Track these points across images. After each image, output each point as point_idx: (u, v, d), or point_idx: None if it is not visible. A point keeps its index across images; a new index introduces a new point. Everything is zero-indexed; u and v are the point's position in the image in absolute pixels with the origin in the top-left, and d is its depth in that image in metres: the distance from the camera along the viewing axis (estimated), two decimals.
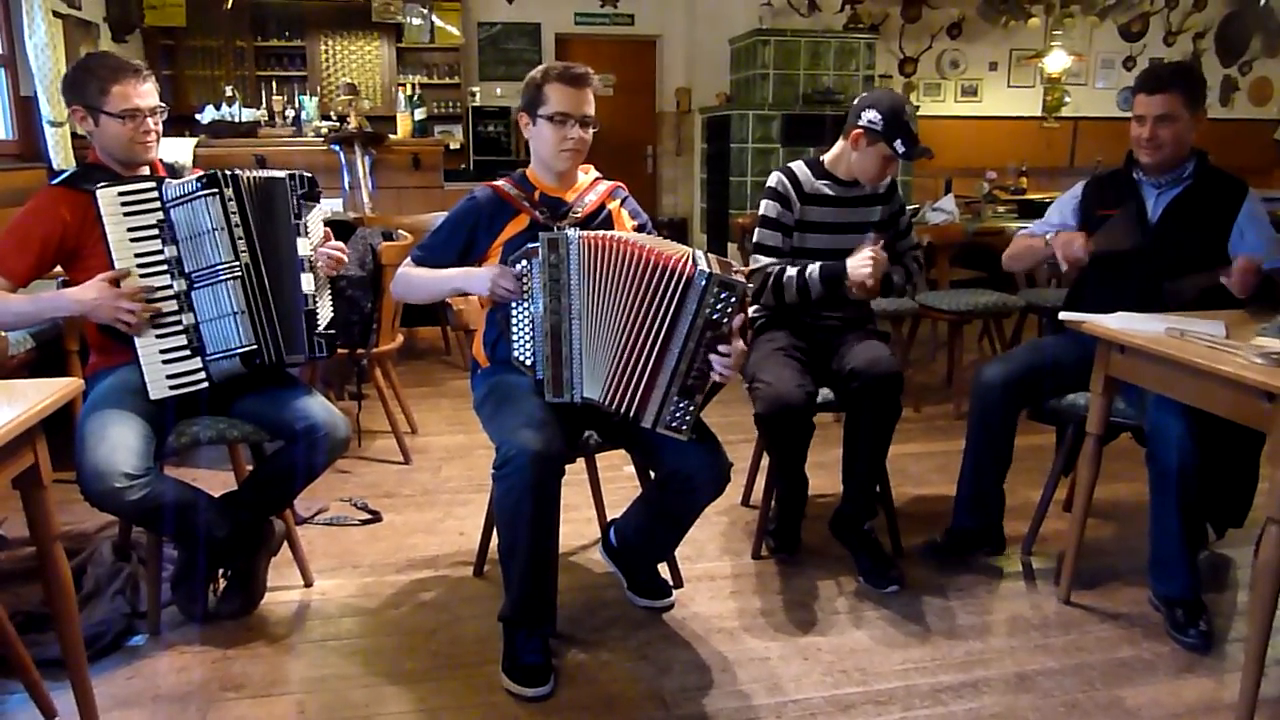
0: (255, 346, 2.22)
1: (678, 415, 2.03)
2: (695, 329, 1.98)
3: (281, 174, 2.29)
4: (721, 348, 1.99)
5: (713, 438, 2.19)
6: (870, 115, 2.57)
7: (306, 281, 2.29)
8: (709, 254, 2.07)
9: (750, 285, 2.50)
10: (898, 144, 2.55)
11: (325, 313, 2.36)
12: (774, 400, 2.44)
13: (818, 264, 2.60)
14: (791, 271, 2.62)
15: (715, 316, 1.96)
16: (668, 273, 1.98)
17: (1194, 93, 2.51)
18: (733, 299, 1.95)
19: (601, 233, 2.12)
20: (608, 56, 8.52)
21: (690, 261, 1.98)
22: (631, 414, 2.05)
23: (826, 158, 2.76)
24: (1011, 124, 8.82)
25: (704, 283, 1.94)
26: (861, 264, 2.50)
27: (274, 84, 7.73)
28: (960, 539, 2.73)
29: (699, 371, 2.00)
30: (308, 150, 5.61)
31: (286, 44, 8.02)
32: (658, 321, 2.00)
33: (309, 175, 2.33)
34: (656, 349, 2.00)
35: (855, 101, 2.66)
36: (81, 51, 5.51)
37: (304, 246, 2.30)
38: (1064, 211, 2.80)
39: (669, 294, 1.98)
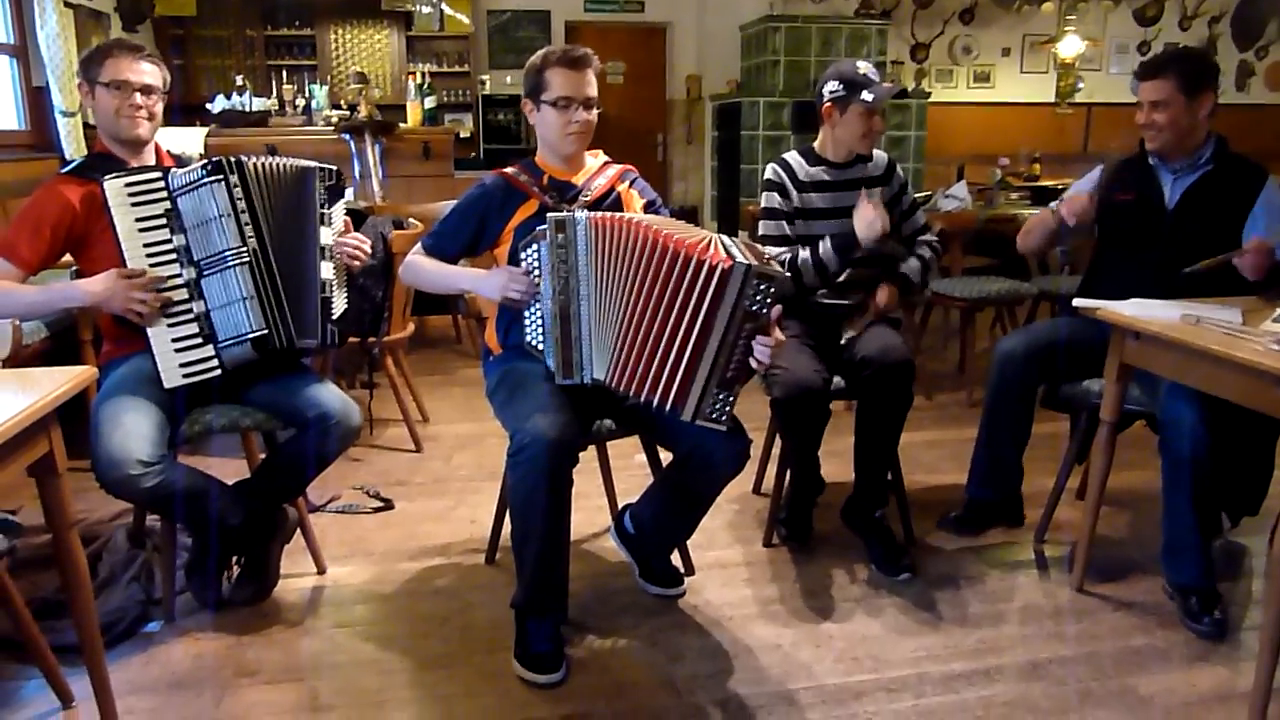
0: (266, 331, 2.23)
1: (717, 407, 2.00)
2: (735, 321, 1.93)
3: (311, 163, 2.31)
4: (761, 338, 1.97)
5: (731, 415, 2.18)
6: (830, 87, 2.66)
7: (325, 269, 2.30)
8: (734, 239, 2.04)
9: (788, 274, 2.51)
10: (864, 95, 2.60)
11: (340, 303, 2.36)
12: (792, 384, 2.44)
13: (826, 237, 2.61)
14: (804, 254, 2.62)
15: (755, 308, 1.92)
16: (696, 263, 1.93)
17: (1190, 77, 2.48)
18: (772, 289, 1.91)
19: (612, 214, 2.11)
20: (617, 44, 8.49)
21: (721, 251, 1.94)
22: (669, 407, 2.01)
23: (816, 145, 2.79)
24: (1024, 110, 8.76)
25: (744, 275, 1.90)
26: (868, 221, 2.52)
27: (284, 73, 7.72)
28: (978, 511, 2.72)
29: (738, 363, 1.97)
30: (318, 139, 5.62)
31: (296, 33, 8.02)
32: (688, 313, 1.95)
33: (336, 169, 2.36)
34: (693, 342, 1.96)
35: (815, 91, 2.76)
36: (93, 42, 5.53)
37: (326, 235, 2.31)
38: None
39: (702, 286, 1.93)
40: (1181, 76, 2.48)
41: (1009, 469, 2.71)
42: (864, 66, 2.65)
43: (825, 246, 2.59)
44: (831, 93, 2.65)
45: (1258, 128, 8.64)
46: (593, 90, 2.29)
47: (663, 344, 1.99)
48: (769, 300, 1.93)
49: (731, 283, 1.91)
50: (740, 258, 1.91)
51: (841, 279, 2.68)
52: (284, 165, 2.29)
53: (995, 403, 2.67)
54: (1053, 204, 2.70)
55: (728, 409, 2.01)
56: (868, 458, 2.64)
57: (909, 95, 7.80)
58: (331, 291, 2.31)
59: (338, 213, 2.38)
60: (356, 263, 2.41)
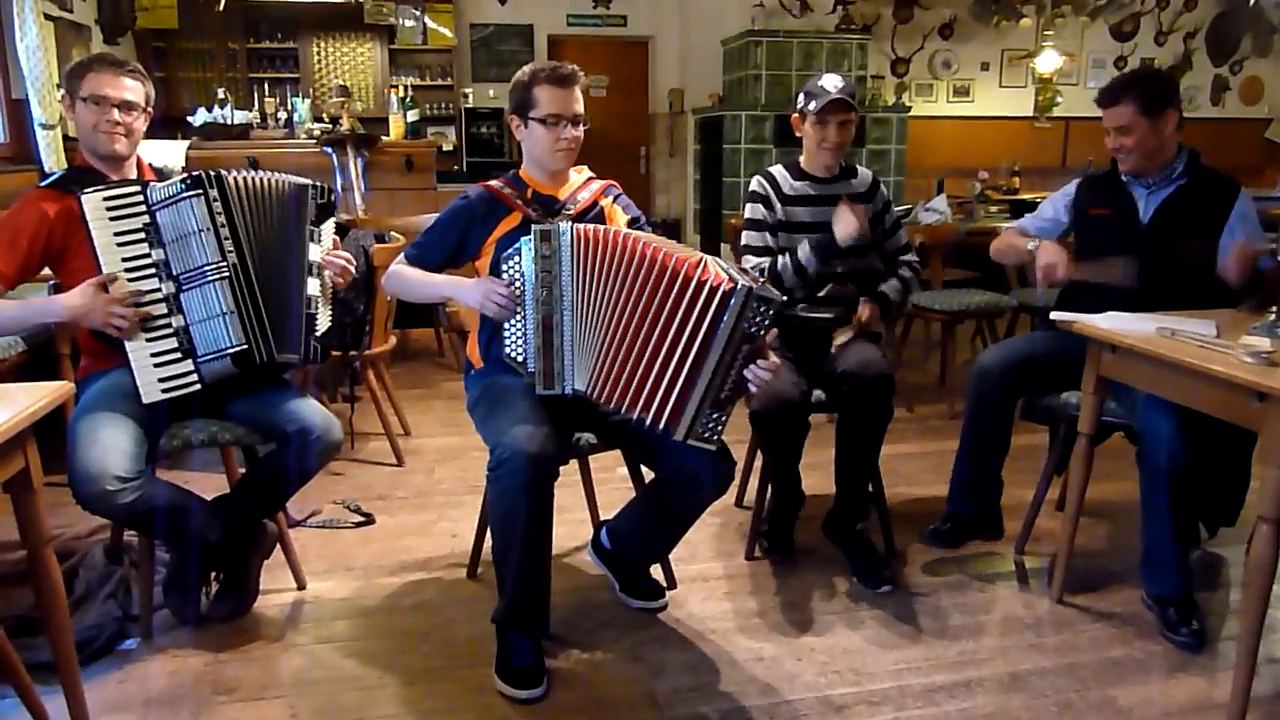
0: (246, 346, 2.21)
1: (710, 426, 1.98)
2: (733, 343, 1.92)
3: (302, 180, 2.31)
4: (760, 361, 1.97)
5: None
6: (799, 101, 2.75)
7: (312, 285, 2.29)
8: (726, 260, 2.04)
9: (784, 298, 2.54)
10: (811, 105, 2.68)
11: (324, 320, 2.36)
12: (771, 397, 2.44)
13: (805, 240, 2.65)
14: (784, 258, 2.67)
15: (753, 330, 1.92)
16: (696, 284, 1.92)
17: (1149, 99, 2.50)
18: (770, 311, 1.91)
19: (598, 226, 2.11)
20: (600, 57, 8.53)
21: (721, 273, 1.93)
22: (661, 426, 1.99)
23: (801, 159, 2.82)
24: (1003, 124, 8.84)
25: (745, 297, 1.89)
26: (845, 222, 2.58)
27: (266, 86, 7.72)
28: (959, 525, 2.74)
29: (734, 384, 1.96)
30: (300, 152, 5.61)
31: (279, 46, 8.02)
32: (686, 332, 1.94)
33: (327, 185, 2.36)
34: (690, 361, 1.94)
35: None
36: (74, 54, 5.51)
37: (314, 252, 2.31)
38: (1057, 208, 2.81)
39: (702, 306, 1.91)
40: (1140, 99, 2.50)
41: (988, 483, 2.73)
42: (826, 79, 2.70)
43: (804, 248, 2.64)
44: (800, 105, 2.74)
45: (1233, 142, 8.77)
46: (580, 107, 2.30)
47: (658, 362, 1.98)
48: (766, 323, 1.93)
49: (732, 305, 1.90)
50: (741, 280, 1.90)
51: (822, 294, 2.70)
52: (270, 180, 2.28)
53: (973, 418, 2.68)
54: (1020, 224, 2.73)
55: (720, 429, 2.00)
56: (848, 471, 2.65)
57: (891, 110, 7.86)
58: (316, 308, 2.30)
59: (327, 230, 2.38)
60: (341, 280, 2.41)
